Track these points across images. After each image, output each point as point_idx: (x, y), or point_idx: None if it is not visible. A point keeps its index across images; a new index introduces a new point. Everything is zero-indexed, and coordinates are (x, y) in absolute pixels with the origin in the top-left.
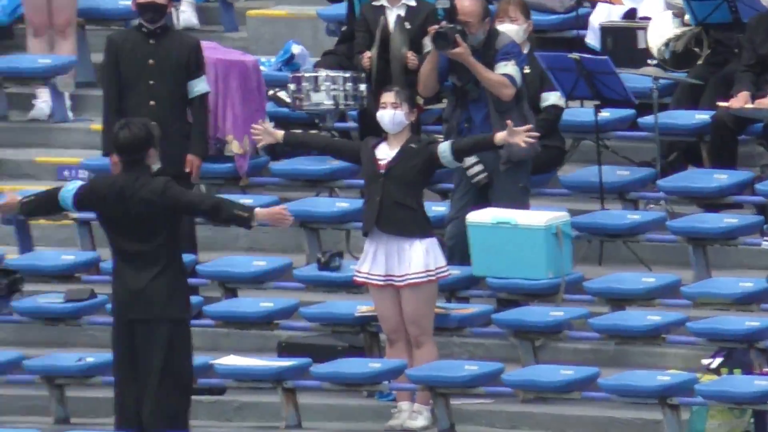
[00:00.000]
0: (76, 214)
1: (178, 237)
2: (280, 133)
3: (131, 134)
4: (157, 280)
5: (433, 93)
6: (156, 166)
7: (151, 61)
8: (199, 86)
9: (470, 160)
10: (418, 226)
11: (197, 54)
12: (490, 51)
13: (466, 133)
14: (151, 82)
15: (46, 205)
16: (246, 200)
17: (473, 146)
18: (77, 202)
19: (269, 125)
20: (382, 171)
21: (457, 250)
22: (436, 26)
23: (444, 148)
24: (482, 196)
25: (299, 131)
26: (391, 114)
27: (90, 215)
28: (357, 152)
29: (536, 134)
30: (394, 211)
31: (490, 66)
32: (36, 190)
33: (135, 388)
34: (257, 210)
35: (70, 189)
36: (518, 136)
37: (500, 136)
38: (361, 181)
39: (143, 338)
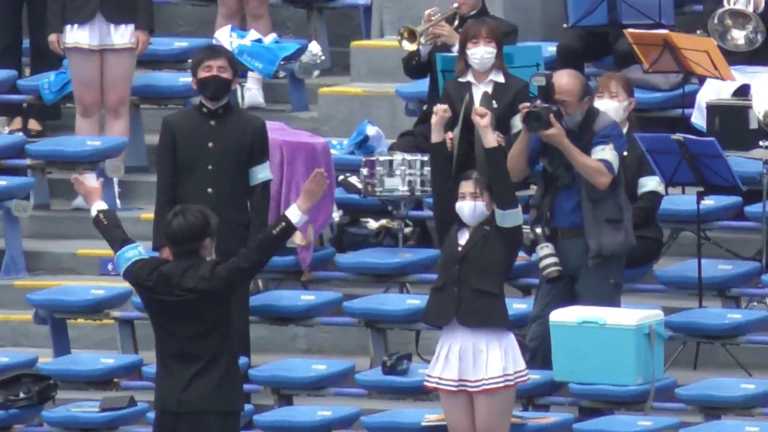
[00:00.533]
0: (117, 314)
1: (230, 325)
2: (441, 135)
3: (186, 222)
4: (206, 371)
5: (522, 178)
6: (211, 258)
7: (210, 144)
8: (263, 173)
9: (543, 251)
10: (501, 316)
11: (262, 137)
12: (587, 133)
13: (553, 222)
14: (210, 167)
15: (109, 241)
16: (307, 297)
17: (491, 178)
18: (126, 275)
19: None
20: (458, 257)
21: (540, 352)
22: (529, 105)
23: (494, 211)
24: (570, 293)
25: None
26: (470, 206)
27: (134, 314)
28: (451, 220)
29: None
30: (475, 300)
31: (586, 149)
32: (75, 285)
33: None
34: (297, 206)
35: (128, 257)
36: (482, 120)
37: (485, 140)
38: (435, 276)
39: None
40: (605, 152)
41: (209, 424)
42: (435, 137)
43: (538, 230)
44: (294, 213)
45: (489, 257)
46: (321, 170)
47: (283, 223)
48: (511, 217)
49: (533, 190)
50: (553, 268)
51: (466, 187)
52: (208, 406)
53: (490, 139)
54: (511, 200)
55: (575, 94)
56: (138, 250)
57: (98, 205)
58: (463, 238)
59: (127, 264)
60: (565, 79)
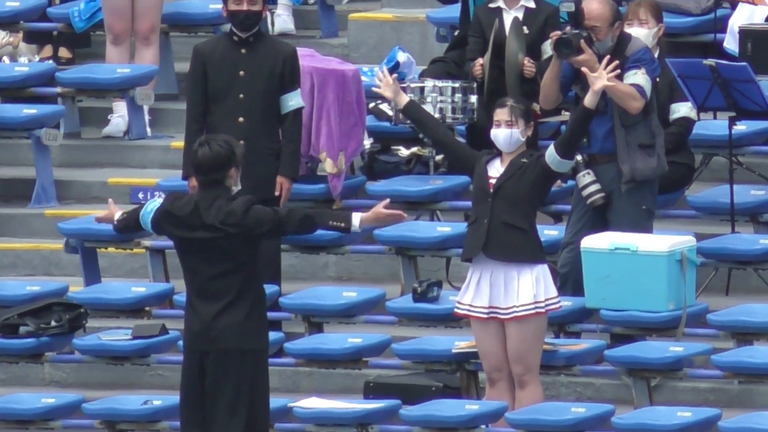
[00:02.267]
0: (148, 242)
1: (257, 263)
2: (404, 98)
3: (211, 152)
4: (232, 309)
5: (555, 105)
6: (236, 188)
7: (241, 73)
8: (294, 100)
9: (585, 179)
10: (530, 251)
11: (293, 64)
12: (619, 58)
13: (586, 148)
14: (241, 95)
15: (134, 224)
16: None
17: (571, 131)
18: (155, 225)
19: (395, 78)
20: (491, 190)
21: (570, 279)
22: (559, 32)
23: (549, 151)
24: (601, 220)
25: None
26: (506, 133)
27: (165, 243)
28: (472, 161)
29: (617, 62)
30: (503, 234)
31: (619, 75)
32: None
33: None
34: (361, 216)
35: (149, 210)
36: (600, 79)
37: (588, 98)
38: (467, 203)
39: (214, 372)
40: (637, 77)
41: (236, 362)
42: (400, 103)
43: (579, 157)
44: (356, 220)
45: (522, 192)
46: (401, 213)
47: (343, 224)
48: (566, 166)
49: (566, 116)
50: (598, 195)
51: (502, 114)
52: (234, 345)
53: (593, 101)
54: (575, 154)
55: (605, 19)
56: (155, 203)
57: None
58: (494, 169)
59: (152, 213)
60: (594, 5)
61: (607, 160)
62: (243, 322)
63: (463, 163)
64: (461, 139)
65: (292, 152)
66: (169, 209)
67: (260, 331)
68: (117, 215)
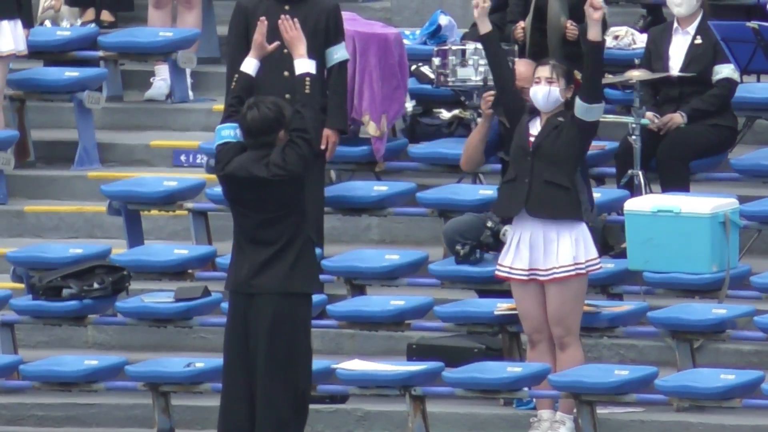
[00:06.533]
0: (191, 205)
1: (304, 210)
2: (487, 25)
3: (260, 114)
4: (281, 256)
5: (477, 168)
6: None
7: None
8: (339, 53)
9: None
10: (571, 209)
11: (336, 18)
12: None
13: None
14: (285, 50)
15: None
16: (380, 187)
17: (588, 72)
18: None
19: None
20: (531, 149)
21: None
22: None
23: (577, 103)
24: None
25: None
26: (545, 90)
27: (207, 205)
28: (521, 113)
29: None
30: (545, 192)
31: None
32: (149, 177)
33: (244, 392)
34: (297, 60)
35: (223, 135)
36: (596, 12)
37: (591, 32)
38: None
39: (258, 315)
40: None
41: (280, 305)
42: (482, 29)
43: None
44: (303, 64)
45: (562, 149)
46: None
47: (307, 78)
48: (595, 112)
49: None
50: None
51: (542, 71)
52: (279, 288)
53: (597, 32)
54: (600, 96)
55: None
56: (233, 132)
57: (247, 64)
58: (535, 128)
59: (219, 141)
60: (523, 67)
61: None
62: (291, 267)
63: (513, 112)
64: None
65: (339, 104)
66: (229, 153)
67: (308, 276)
68: (246, 65)
